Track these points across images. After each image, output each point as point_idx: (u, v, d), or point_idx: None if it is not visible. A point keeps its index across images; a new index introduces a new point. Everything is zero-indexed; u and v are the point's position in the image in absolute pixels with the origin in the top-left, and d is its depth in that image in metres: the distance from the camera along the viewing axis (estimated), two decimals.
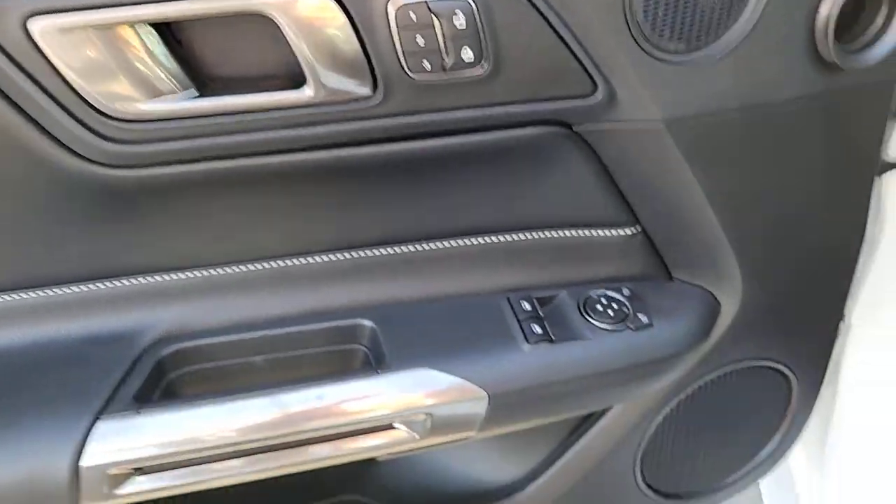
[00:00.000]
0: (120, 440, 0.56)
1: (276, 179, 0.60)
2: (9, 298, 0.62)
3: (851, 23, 0.62)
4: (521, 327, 0.68)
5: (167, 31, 0.52)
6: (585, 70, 0.57)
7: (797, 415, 0.89)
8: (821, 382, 0.88)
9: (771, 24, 0.58)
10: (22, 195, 0.57)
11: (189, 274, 0.64)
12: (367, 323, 0.68)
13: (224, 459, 0.59)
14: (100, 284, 0.62)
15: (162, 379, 0.64)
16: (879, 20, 0.61)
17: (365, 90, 0.53)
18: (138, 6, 0.47)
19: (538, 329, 0.67)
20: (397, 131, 0.58)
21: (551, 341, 0.67)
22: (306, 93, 0.52)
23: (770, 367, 0.83)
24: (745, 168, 0.66)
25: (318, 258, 0.67)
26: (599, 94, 0.59)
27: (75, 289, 0.62)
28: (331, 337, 0.68)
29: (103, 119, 0.51)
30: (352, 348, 0.69)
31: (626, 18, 0.54)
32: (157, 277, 0.63)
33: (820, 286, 0.79)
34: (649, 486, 0.88)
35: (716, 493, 0.93)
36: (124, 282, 0.63)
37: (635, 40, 0.55)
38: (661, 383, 0.73)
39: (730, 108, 0.61)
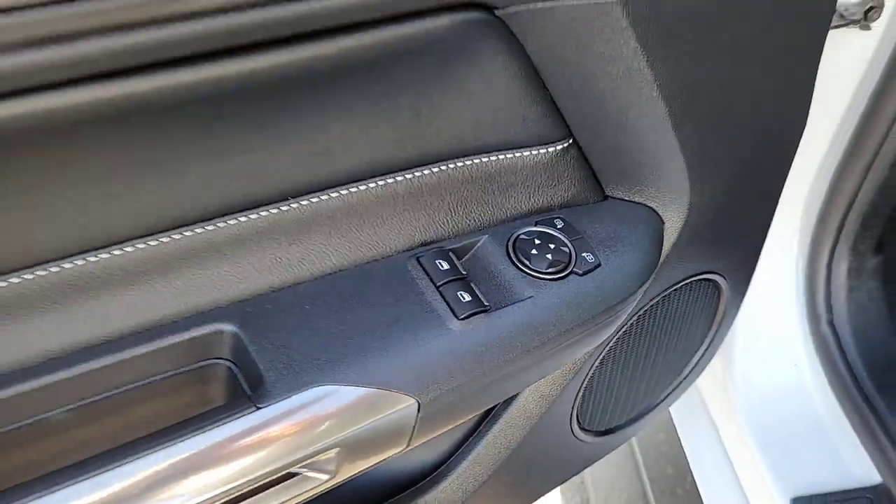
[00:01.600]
0: None
1: (64, 124, 0.35)
2: None
3: None
4: (444, 297, 0.50)
5: None
6: None
7: (725, 319, 0.82)
8: (748, 283, 0.80)
9: None
10: None
11: None
12: (228, 328, 0.46)
13: None
14: None
15: None
16: None
17: None
18: None
19: (465, 296, 0.50)
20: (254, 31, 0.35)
21: (485, 310, 0.50)
22: None
23: (705, 279, 0.73)
24: (704, 45, 0.50)
25: (133, 247, 0.43)
26: None
27: None
28: (174, 358, 0.46)
29: None
30: (208, 367, 0.47)
31: None
32: None
33: (760, 182, 0.68)
34: (584, 430, 0.77)
35: (647, 415, 0.85)
36: None
37: None
38: (613, 329, 0.60)
39: None
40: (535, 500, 0.82)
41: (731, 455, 1.08)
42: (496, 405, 0.68)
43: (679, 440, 1.18)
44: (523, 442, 0.70)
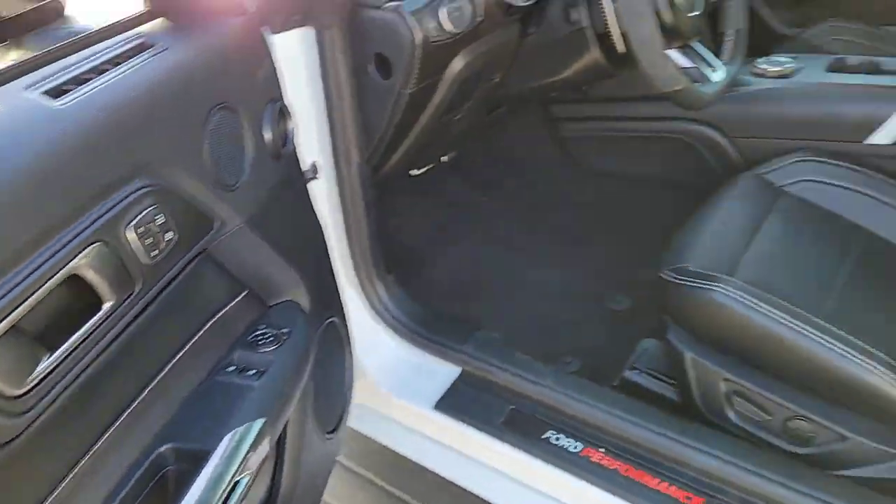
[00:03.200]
0: None
1: None
2: None
3: None
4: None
5: None
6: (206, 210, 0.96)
7: (349, 339, 1.48)
8: (344, 317, 1.47)
9: (259, 163, 1.07)
10: None
11: None
12: None
13: None
14: None
15: None
16: None
17: None
18: None
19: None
20: None
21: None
22: None
23: (331, 322, 1.38)
24: (284, 225, 1.15)
25: None
26: (217, 224, 0.98)
27: None
28: None
29: None
30: None
31: (215, 178, 0.95)
32: None
33: (323, 267, 1.37)
34: (325, 431, 1.33)
35: (346, 409, 1.45)
36: None
37: (220, 186, 0.97)
38: (310, 362, 1.18)
39: (259, 203, 1.08)
40: None
41: (386, 412, 1.74)
42: (279, 451, 1.18)
43: (362, 434, 1.80)
44: (300, 461, 1.23)
